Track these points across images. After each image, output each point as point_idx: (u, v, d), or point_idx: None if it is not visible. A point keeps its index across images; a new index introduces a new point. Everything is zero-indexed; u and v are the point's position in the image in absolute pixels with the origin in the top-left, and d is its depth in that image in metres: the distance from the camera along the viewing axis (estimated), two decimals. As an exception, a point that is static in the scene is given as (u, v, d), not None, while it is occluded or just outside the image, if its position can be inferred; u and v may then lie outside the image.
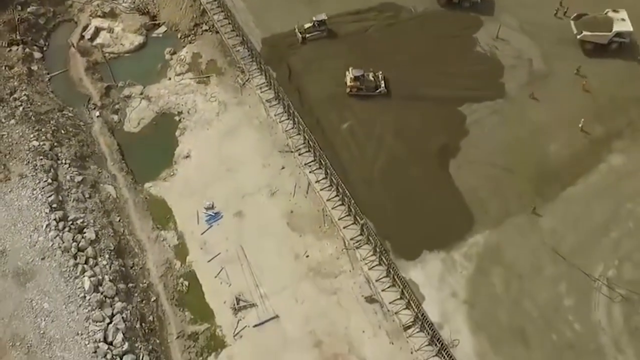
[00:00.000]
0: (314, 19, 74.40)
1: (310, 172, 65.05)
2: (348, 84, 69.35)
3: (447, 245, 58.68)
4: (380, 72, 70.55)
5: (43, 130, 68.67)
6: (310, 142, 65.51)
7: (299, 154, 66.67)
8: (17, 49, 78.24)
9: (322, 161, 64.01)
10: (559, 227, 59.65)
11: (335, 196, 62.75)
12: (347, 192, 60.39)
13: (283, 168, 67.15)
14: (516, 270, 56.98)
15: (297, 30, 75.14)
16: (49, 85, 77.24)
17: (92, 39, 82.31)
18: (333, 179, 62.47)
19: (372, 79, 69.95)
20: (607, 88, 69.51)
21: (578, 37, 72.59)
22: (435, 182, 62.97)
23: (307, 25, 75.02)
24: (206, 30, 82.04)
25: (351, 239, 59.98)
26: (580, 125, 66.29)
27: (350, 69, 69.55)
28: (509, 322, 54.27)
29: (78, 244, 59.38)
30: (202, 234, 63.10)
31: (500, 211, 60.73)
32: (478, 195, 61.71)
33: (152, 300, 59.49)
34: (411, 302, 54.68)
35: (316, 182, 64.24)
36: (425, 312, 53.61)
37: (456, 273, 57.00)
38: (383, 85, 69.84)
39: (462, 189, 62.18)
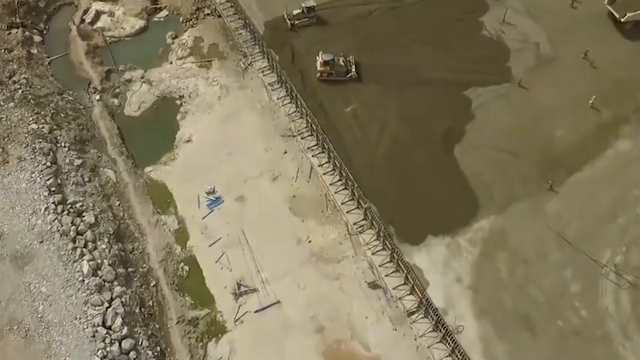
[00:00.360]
0: (302, 5, 73.40)
1: (312, 156, 64.18)
2: (318, 68, 68.64)
3: (452, 230, 57.84)
4: (352, 57, 69.83)
5: (42, 113, 67.65)
6: (313, 126, 64.61)
7: (302, 138, 65.79)
8: (17, 32, 77.24)
9: (325, 145, 63.13)
10: (565, 212, 58.81)
11: (338, 180, 61.89)
12: (350, 176, 59.54)
13: (285, 152, 66.18)
14: (521, 256, 56.15)
15: (285, 16, 74.18)
16: (49, 69, 76.22)
17: (92, 22, 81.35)
18: (336, 162, 61.59)
19: (343, 63, 69.43)
20: (615, 72, 68.58)
21: (622, 19, 71.42)
22: (440, 166, 62.15)
23: (295, 12, 74.09)
24: (208, 14, 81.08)
25: (354, 224, 59.12)
26: (590, 102, 65.66)
27: (320, 53, 68.82)
28: (514, 307, 53.42)
29: (77, 228, 58.48)
30: (203, 218, 62.19)
31: (505, 196, 59.88)
32: (483, 179, 60.93)
33: (152, 284, 58.65)
34: (415, 288, 53.82)
35: (319, 166, 63.37)
36: (429, 297, 52.75)
37: (461, 258, 56.14)
38: (354, 69, 69.19)
39: (467, 173, 61.49)
